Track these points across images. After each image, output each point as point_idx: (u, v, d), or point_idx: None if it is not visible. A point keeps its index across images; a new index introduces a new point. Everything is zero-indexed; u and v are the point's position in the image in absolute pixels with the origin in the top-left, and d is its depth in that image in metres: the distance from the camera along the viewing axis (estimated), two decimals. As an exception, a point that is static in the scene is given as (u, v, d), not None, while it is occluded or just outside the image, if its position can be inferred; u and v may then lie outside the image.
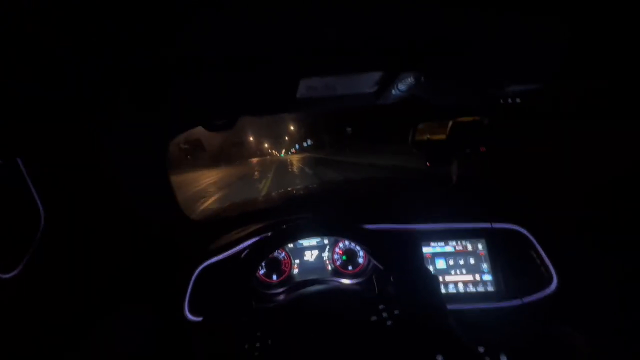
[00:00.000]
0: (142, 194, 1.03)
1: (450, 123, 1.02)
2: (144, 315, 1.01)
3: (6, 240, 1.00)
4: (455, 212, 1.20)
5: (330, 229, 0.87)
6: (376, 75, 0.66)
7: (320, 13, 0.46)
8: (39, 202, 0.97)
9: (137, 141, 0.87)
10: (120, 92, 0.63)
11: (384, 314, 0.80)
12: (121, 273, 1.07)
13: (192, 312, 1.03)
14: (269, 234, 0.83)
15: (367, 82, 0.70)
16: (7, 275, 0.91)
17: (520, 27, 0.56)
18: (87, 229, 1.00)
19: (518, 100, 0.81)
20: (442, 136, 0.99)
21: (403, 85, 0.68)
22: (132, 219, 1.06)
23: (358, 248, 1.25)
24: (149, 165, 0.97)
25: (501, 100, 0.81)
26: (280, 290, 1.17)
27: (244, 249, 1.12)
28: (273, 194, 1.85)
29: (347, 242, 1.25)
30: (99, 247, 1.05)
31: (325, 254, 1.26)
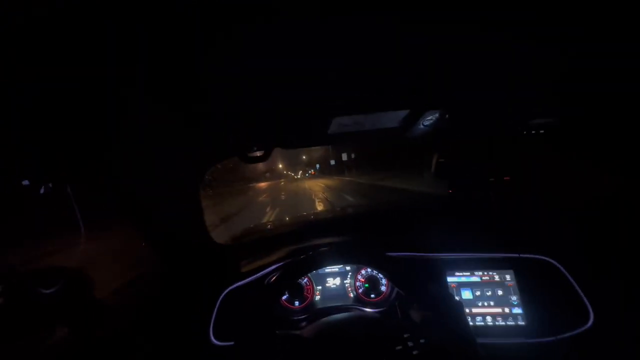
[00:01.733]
0: (175, 219, 1.08)
1: (475, 151, 1.03)
2: (170, 338, 1.03)
3: (48, 258, 1.06)
4: (481, 241, 1.18)
5: (353, 257, 0.88)
6: (402, 113, 0.70)
7: (350, 63, 0.52)
8: (80, 223, 1.05)
9: (177, 169, 0.94)
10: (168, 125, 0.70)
11: (410, 343, 0.79)
12: (149, 294, 1.10)
13: (216, 336, 1.04)
14: (294, 260, 0.85)
15: (393, 119, 0.74)
16: (47, 291, 0.97)
17: (536, 63, 0.60)
18: (121, 251, 1.06)
19: (542, 131, 0.82)
20: (466, 162, 1.00)
21: (428, 121, 0.72)
22: (163, 241, 1.11)
23: (380, 276, 1.24)
24: (185, 191, 1.03)
25: (524, 132, 0.83)
26: (303, 316, 1.17)
27: (268, 274, 1.14)
28: (295, 218, 1.88)
29: (369, 270, 1.25)
30: (129, 267, 1.10)
31: (348, 281, 1.26)
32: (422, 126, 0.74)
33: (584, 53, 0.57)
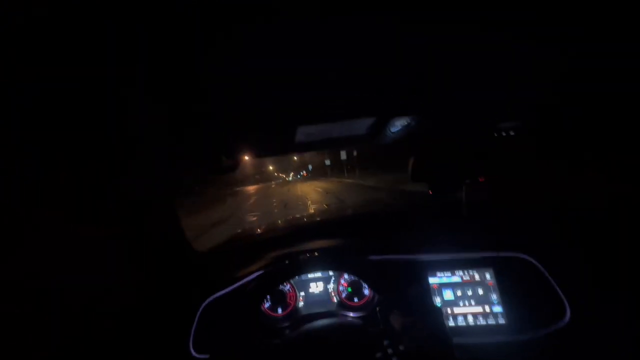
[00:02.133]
0: (151, 229, 1.06)
1: (449, 153, 1.04)
2: (147, 350, 1.00)
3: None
4: (461, 241, 1.19)
5: (333, 263, 0.88)
6: (369, 120, 0.70)
7: (314, 70, 0.51)
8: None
9: (150, 181, 0.92)
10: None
11: (389, 350, 0.79)
12: (126, 306, 1.07)
13: (196, 349, 1.02)
14: (273, 267, 0.84)
15: (361, 126, 0.74)
16: None
17: (505, 65, 0.60)
18: (96, 262, 1.02)
19: (512, 133, 0.83)
20: (442, 164, 1.01)
21: (396, 127, 0.72)
22: (140, 252, 1.08)
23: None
24: (158, 201, 1.01)
25: (495, 134, 0.84)
26: (285, 324, 1.15)
27: (249, 282, 1.13)
28: (278, 222, 1.87)
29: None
30: (107, 280, 1.06)
31: (331, 286, 1.25)
32: (389, 133, 0.74)
33: (556, 54, 0.57)
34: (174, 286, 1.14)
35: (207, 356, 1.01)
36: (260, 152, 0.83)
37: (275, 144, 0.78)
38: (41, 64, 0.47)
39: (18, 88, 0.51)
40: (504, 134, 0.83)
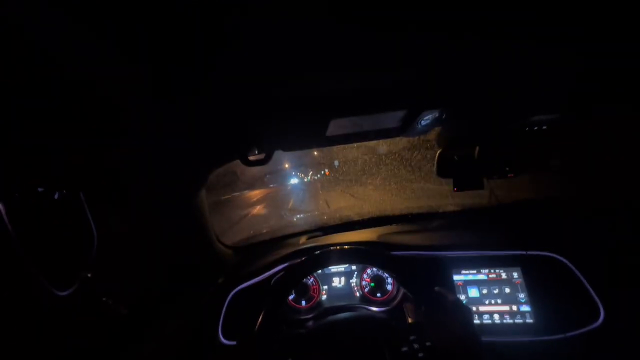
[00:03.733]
0: (181, 222, 1.11)
1: (477, 149, 1.03)
2: (179, 337, 1.05)
3: (63, 261, 1.11)
4: (487, 238, 1.18)
5: (359, 257, 0.89)
6: (400, 113, 0.71)
7: (347, 65, 0.53)
8: (94, 228, 1.08)
9: (180, 173, 0.97)
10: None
11: (415, 345, 0.79)
12: (159, 295, 1.14)
13: (225, 336, 1.06)
14: (299, 260, 0.86)
15: (391, 119, 0.74)
16: (63, 293, 1.01)
17: (535, 57, 0.59)
18: (131, 255, 1.09)
19: (544, 127, 0.82)
20: (469, 160, 1.00)
21: (426, 120, 0.72)
22: (170, 244, 1.14)
23: (386, 275, 1.24)
24: (189, 195, 1.06)
25: (527, 128, 0.82)
26: (309, 316, 1.18)
27: (275, 273, 1.16)
28: (302, 219, 1.90)
29: (374, 269, 1.25)
30: (140, 270, 1.13)
31: (354, 280, 1.26)
32: (419, 126, 0.74)
33: (588, 53, 0.56)
34: (204, 276, 1.19)
35: (234, 342, 1.05)
36: (291, 145, 0.85)
37: (307, 137, 0.80)
38: (40, 65, 0.47)
39: (18, 90, 0.52)
40: (535, 128, 0.82)
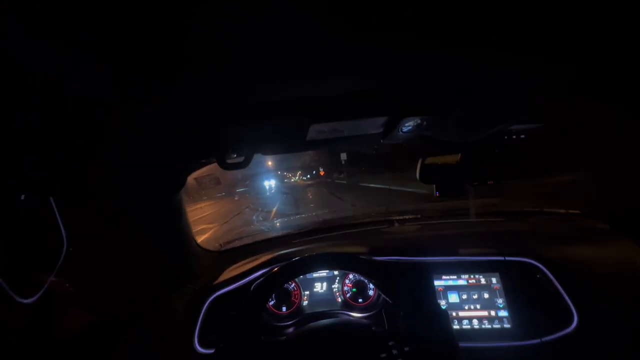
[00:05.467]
0: (158, 225, 1.07)
1: (459, 156, 1.04)
2: (154, 345, 1.01)
3: (28, 268, 1.05)
4: (468, 244, 1.19)
5: (340, 262, 0.88)
6: (381, 119, 0.70)
7: (327, 70, 0.52)
8: (63, 233, 1.03)
9: (156, 175, 0.93)
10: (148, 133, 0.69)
11: (394, 351, 0.79)
12: (134, 301, 1.09)
13: (201, 344, 1.03)
14: (279, 266, 0.85)
15: (373, 125, 0.74)
16: (27, 301, 0.95)
17: (519, 69, 0.60)
18: (104, 259, 1.05)
19: (522, 136, 0.83)
20: (450, 167, 1.01)
21: (407, 127, 0.72)
22: (147, 249, 1.10)
23: (368, 281, 1.24)
24: (166, 198, 1.03)
25: (505, 137, 0.84)
26: (290, 322, 1.16)
27: (254, 280, 1.13)
28: (284, 224, 1.88)
29: (357, 275, 1.25)
30: (114, 276, 1.08)
31: (335, 286, 1.25)
32: (400, 132, 0.74)
33: (569, 63, 0.57)
34: (180, 282, 1.15)
35: (211, 351, 1.02)
36: (271, 149, 0.83)
37: (286, 142, 0.78)
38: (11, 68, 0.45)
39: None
40: (514, 137, 0.83)
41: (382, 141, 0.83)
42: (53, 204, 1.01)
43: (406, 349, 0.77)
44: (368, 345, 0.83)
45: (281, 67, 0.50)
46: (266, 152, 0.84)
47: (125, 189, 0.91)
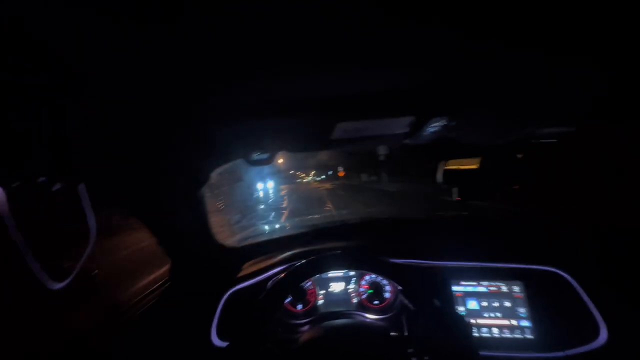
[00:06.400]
0: (180, 220, 1.10)
1: (483, 159, 1.02)
2: (172, 336, 1.04)
3: (59, 253, 1.10)
4: (488, 250, 1.16)
5: (361, 262, 0.87)
6: (408, 119, 0.70)
7: (357, 66, 0.52)
8: (93, 220, 1.07)
9: (183, 169, 0.96)
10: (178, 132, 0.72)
11: (413, 359, 0.77)
12: (153, 292, 1.12)
13: (219, 337, 1.05)
14: (299, 263, 0.85)
15: (397, 125, 0.73)
16: (57, 286, 1.00)
17: (552, 71, 0.58)
18: (130, 250, 1.08)
19: (552, 140, 0.81)
20: (473, 170, 0.99)
21: (433, 127, 0.71)
22: (170, 241, 1.13)
23: (385, 282, 1.22)
24: (189, 194, 1.05)
25: (533, 140, 0.81)
26: (305, 320, 1.16)
27: (273, 275, 1.15)
28: (300, 222, 1.88)
29: (373, 276, 1.24)
30: (137, 265, 1.12)
31: (351, 286, 1.25)
32: (426, 133, 0.73)
33: (603, 67, 0.55)
34: (199, 276, 1.18)
35: (227, 344, 1.03)
36: (296, 147, 0.84)
37: (312, 139, 0.79)
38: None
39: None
40: (543, 140, 0.81)
41: (406, 141, 0.82)
42: (83, 193, 1.06)
43: (426, 358, 0.76)
44: (386, 351, 0.82)
45: (311, 62, 0.50)
46: (290, 150, 0.85)
47: (151, 183, 0.94)
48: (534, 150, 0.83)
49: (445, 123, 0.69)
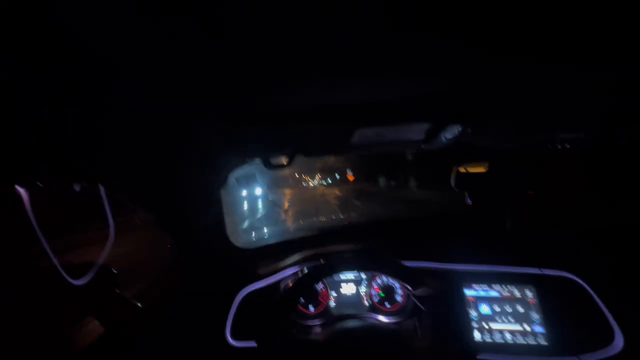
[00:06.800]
0: (195, 221, 1.12)
1: (490, 162, 1.02)
2: (187, 337, 1.06)
3: (78, 252, 1.13)
4: (501, 254, 1.16)
5: (376, 264, 0.88)
6: (425, 125, 0.71)
7: (377, 74, 0.53)
8: (110, 220, 1.10)
9: (202, 171, 0.98)
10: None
11: None
12: (167, 293, 1.15)
13: (234, 338, 1.06)
14: (314, 265, 0.87)
15: (415, 131, 0.74)
16: (78, 282, 1.03)
17: (572, 78, 0.59)
18: (147, 250, 1.11)
19: (568, 146, 0.81)
20: (482, 174, 0.99)
21: (450, 133, 0.72)
22: (183, 242, 1.15)
23: (397, 285, 1.23)
24: (206, 195, 1.07)
25: (549, 146, 0.82)
26: (317, 322, 1.17)
27: (285, 278, 1.16)
28: (312, 223, 1.90)
29: (384, 278, 1.24)
30: (152, 265, 1.14)
31: (363, 289, 1.25)
32: (443, 139, 0.74)
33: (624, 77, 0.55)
34: (214, 276, 1.20)
35: (243, 344, 1.05)
36: (314, 151, 0.86)
37: (331, 144, 0.81)
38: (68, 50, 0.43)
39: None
40: (559, 146, 0.81)
41: (422, 147, 0.83)
42: (103, 194, 1.09)
43: None
44: (400, 353, 0.83)
45: (332, 70, 0.52)
46: (309, 154, 0.86)
47: (170, 184, 0.96)
48: (550, 155, 0.83)
49: (461, 129, 0.70)
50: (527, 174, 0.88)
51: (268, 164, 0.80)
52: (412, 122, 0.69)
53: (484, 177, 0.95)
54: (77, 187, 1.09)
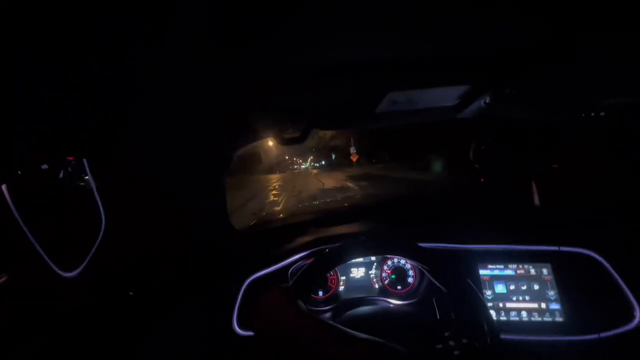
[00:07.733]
0: (196, 205, 1.04)
1: (497, 135, 0.96)
2: (194, 324, 1.00)
3: (69, 242, 1.05)
4: (515, 231, 1.12)
5: (392, 247, 0.83)
6: (461, 89, 0.63)
7: (414, 26, 0.45)
8: (101, 207, 1.02)
9: (203, 151, 0.89)
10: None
11: (451, 342, 0.74)
12: (172, 280, 1.08)
13: (240, 326, 1.01)
14: (324, 251, 0.81)
15: (450, 96, 0.66)
16: (69, 274, 0.96)
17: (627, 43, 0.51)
18: (141, 233, 1.04)
19: (602, 113, 0.74)
20: (509, 148, 0.92)
21: (488, 99, 0.64)
22: (183, 227, 1.08)
23: (408, 267, 1.19)
24: (208, 176, 0.99)
25: (583, 114, 0.75)
26: (326, 307, 1.13)
27: (292, 262, 1.10)
28: (317, 205, 1.84)
29: (395, 260, 1.20)
30: (152, 252, 1.08)
31: (373, 272, 1.21)
32: (482, 104, 0.67)
33: None
34: (217, 262, 1.14)
35: (251, 333, 1.00)
36: (331, 124, 0.77)
37: (352, 113, 0.72)
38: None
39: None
40: (592, 114, 0.74)
41: (454, 116, 0.75)
42: (92, 182, 1.00)
43: (464, 340, 0.73)
44: (421, 336, 0.80)
45: (359, 17, 0.43)
46: (325, 127, 0.77)
47: (170, 167, 0.87)
48: (580, 126, 0.77)
49: (501, 95, 0.63)
50: (555, 147, 0.82)
51: (281, 139, 0.72)
52: (451, 84, 0.60)
53: (507, 151, 0.88)
54: (61, 174, 1.00)
